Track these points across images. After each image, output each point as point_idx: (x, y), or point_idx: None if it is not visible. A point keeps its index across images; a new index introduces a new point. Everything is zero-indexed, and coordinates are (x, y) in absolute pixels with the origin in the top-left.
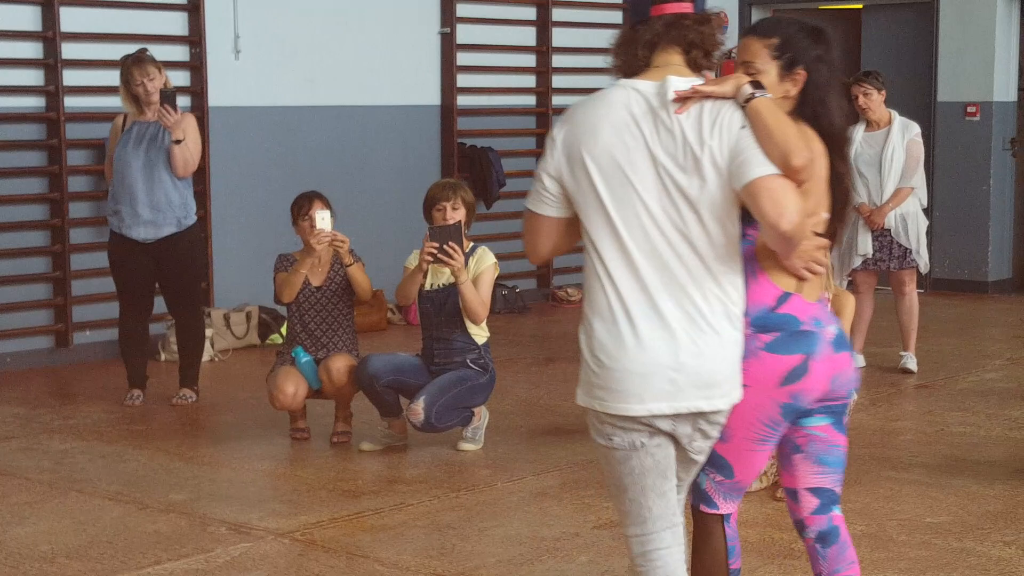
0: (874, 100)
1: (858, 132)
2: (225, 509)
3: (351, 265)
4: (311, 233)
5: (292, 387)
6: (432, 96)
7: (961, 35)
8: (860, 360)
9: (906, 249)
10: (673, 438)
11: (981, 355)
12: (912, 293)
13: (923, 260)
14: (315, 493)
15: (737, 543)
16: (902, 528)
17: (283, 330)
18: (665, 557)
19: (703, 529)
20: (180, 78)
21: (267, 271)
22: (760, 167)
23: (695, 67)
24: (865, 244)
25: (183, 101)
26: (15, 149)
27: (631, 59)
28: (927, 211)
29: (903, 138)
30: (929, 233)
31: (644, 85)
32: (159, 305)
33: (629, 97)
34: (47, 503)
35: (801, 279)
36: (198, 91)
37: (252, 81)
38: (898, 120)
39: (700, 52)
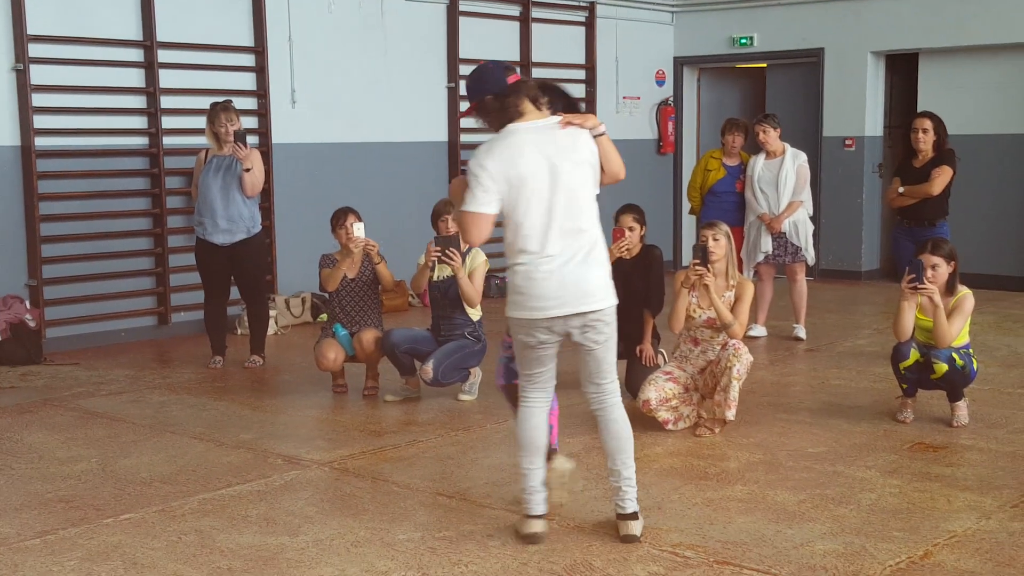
0: (771, 136)
1: (759, 160)
2: (282, 445)
3: (379, 263)
4: (348, 238)
5: (333, 353)
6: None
7: (841, 85)
8: (763, 331)
9: (797, 247)
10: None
11: (855, 326)
12: (802, 280)
13: (810, 255)
14: (349, 433)
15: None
16: (790, 456)
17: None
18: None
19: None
20: (250, 122)
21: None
22: (611, 162)
23: (537, 107)
24: (767, 244)
25: (252, 140)
26: (127, 176)
27: (510, 112)
28: (814, 218)
29: (794, 164)
30: (816, 235)
31: (534, 124)
32: (234, 293)
33: (527, 134)
34: (147, 441)
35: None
36: (263, 132)
37: (305, 124)
38: (790, 151)
39: (536, 100)
